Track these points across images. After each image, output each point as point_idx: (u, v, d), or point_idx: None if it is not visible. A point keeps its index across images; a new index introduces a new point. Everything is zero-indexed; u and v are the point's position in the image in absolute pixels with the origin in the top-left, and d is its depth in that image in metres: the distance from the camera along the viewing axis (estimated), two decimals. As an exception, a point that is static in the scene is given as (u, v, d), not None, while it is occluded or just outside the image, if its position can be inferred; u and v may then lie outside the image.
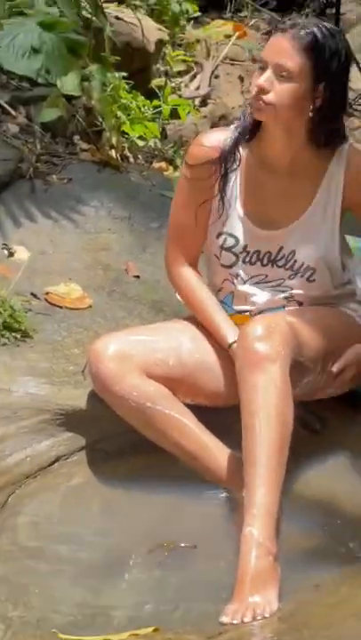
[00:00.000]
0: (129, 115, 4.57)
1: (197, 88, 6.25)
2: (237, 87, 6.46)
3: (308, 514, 2.81)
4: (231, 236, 2.91)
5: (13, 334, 3.13)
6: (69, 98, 4.40)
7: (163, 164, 4.89)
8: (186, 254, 2.97)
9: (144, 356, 2.81)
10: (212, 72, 6.46)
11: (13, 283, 3.30)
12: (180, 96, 5.86)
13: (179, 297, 3.10)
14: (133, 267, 3.64)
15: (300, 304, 2.95)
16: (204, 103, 6.16)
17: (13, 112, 4.37)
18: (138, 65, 5.26)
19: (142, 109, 4.68)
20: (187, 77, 6.36)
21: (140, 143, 4.70)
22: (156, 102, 5.09)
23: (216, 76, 6.50)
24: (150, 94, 5.24)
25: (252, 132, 2.88)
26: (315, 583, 2.49)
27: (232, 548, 2.54)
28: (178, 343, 2.91)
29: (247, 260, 2.92)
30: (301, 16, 2.83)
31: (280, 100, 2.73)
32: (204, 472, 2.83)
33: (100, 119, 4.49)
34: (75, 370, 3.01)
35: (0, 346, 3.08)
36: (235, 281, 2.95)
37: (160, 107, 5.13)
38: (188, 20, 6.87)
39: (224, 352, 2.89)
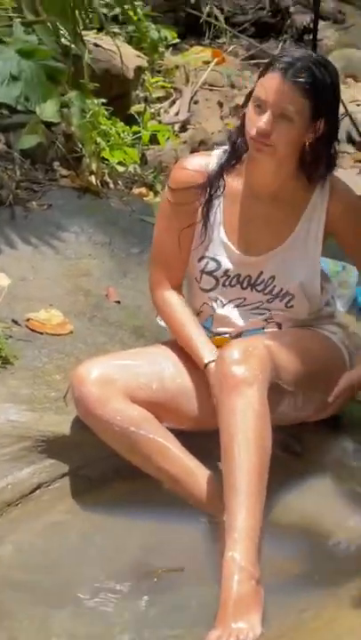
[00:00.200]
0: (108, 141, 4.59)
1: (177, 114, 6.28)
2: (217, 112, 6.49)
3: (290, 537, 2.80)
4: (213, 260, 2.92)
5: (-6, 361, 3.12)
6: (49, 124, 4.41)
7: (143, 190, 4.90)
8: (169, 278, 2.98)
9: (127, 380, 2.81)
10: (192, 98, 6.50)
11: (-6, 309, 3.29)
12: (159, 122, 5.89)
13: (160, 321, 3.11)
14: (114, 292, 3.64)
15: (280, 325, 2.96)
16: (183, 128, 6.19)
17: (-7, 139, 4.37)
18: (117, 91, 5.29)
19: (122, 135, 4.70)
20: (166, 103, 6.40)
21: (120, 169, 4.72)
22: (135, 128, 5.12)
23: (195, 102, 6.54)
24: (130, 120, 5.26)
25: (238, 158, 2.88)
26: (298, 608, 2.48)
27: (219, 572, 2.52)
28: (160, 368, 2.91)
29: (227, 283, 2.93)
30: (289, 45, 2.84)
31: (281, 141, 2.74)
32: (188, 497, 2.83)
33: (80, 145, 4.50)
34: (56, 396, 3.00)
35: (-19, 373, 3.07)
36: (214, 305, 2.96)
37: (139, 132, 5.16)
38: (167, 46, 6.92)
39: (196, 377, 2.90)
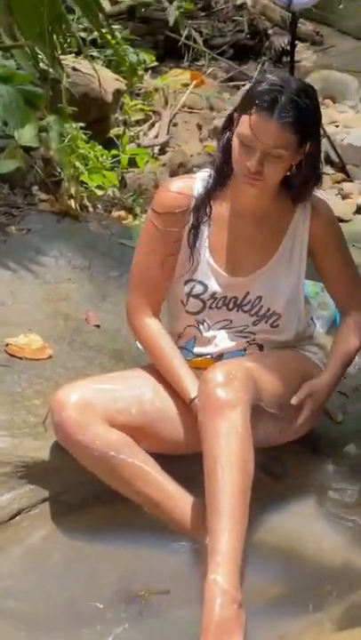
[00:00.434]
0: (87, 164, 4.60)
1: (156, 136, 6.30)
2: (196, 135, 6.51)
3: (272, 561, 2.80)
4: (200, 283, 2.92)
5: (-27, 387, 3.11)
6: (27, 149, 4.41)
7: (122, 213, 4.91)
8: (149, 303, 2.96)
9: (106, 404, 2.81)
10: (171, 120, 6.52)
11: (-27, 335, 3.28)
12: (138, 145, 5.90)
13: (139, 345, 3.10)
14: (94, 316, 3.63)
15: (261, 347, 2.96)
16: (162, 151, 6.20)
17: (-29, 164, 4.37)
18: (96, 115, 5.30)
19: (100, 159, 4.71)
20: (145, 126, 6.41)
21: (99, 192, 4.72)
22: (114, 152, 5.13)
23: (174, 125, 6.56)
24: (109, 143, 5.27)
25: (223, 183, 2.88)
26: (279, 632, 2.49)
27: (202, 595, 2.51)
28: (139, 392, 2.90)
29: (214, 305, 2.93)
30: (268, 68, 2.83)
31: (271, 175, 2.75)
32: (169, 521, 2.82)
33: (59, 169, 4.51)
34: (35, 421, 2.99)
35: None
36: (200, 327, 2.96)
37: (118, 156, 5.17)
38: (146, 69, 6.95)
39: (178, 398, 2.89)
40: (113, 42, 5.90)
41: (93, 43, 6.54)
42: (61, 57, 4.83)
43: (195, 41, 8.11)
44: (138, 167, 5.47)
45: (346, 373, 3.43)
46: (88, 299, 3.77)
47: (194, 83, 7.13)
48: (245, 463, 2.61)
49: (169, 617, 2.61)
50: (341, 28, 9.81)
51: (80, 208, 4.49)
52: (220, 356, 2.94)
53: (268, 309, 2.92)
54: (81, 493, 2.92)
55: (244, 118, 2.71)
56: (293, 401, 2.86)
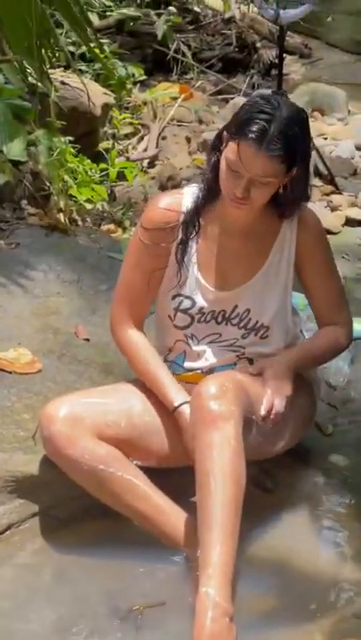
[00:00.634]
0: (76, 178, 4.60)
1: (145, 150, 6.31)
2: (185, 148, 6.52)
3: (262, 574, 2.79)
4: (188, 298, 2.92)
5: None
6: (16, 163, 4.41)
7: (111, 226, 4.91)
8: (133, 315, 2.97)
9: (95, 418, 2.80)
10: (160, 134, 6.53)
11: None
12: (127, 158, 5.91)
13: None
14: (83, 330, 3.63)
15: (251, 361, 2.96)
16: (151, 164, 6.21)
17: None
18: (84, 129, 5.31)
19: (89, 173, 4.71)
20: (134, 139, 6.43)
21: (88, 206, 4.72)
22: (103, 165, 5.13)
23: (163, 138, 6.57)
24: (98, 157, 5.29)
25: (213, 199, 2.87)
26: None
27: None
28: (129, 405, 2.90)
29: (202, 319, 2.93)
30: (255, 90, 2.80)
31: (258, 199, 2.74)
32: (159, 534, 2.82)
33: (48, 183, 4.51)
34: (25, 435, 2.98)
35: None
36: (189, 341, 2.96)
37: (107, 169, 5.17)
38: (135, 83, 6.97)
39: (169, 412, 2.88)
40: (101, 56, 5.90)
41: (82, 57, 6.57)
42: (50, 71, 4.83)
43: (183, 54, 8.14)
44: (127, 180, 5.48)
45: (335, 385, 3.46)
46: (77, 312, 3.76)
47: (182, 96, 7.14)
48: (238, 476, 2.61)
49: (167, 629, 2.60)
50: (330, 41, 9.85)
51: (69, 222, 4.49)
52: (210, 371, 2.94)
53: (257, 322, 2.93)
54: (71, 508, 2.92)
55: (233, 145, 2.69)
56: (252, 370, 2.85)
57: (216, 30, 8.79)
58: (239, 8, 9.02)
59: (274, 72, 7.84)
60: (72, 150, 4.62)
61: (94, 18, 7.39)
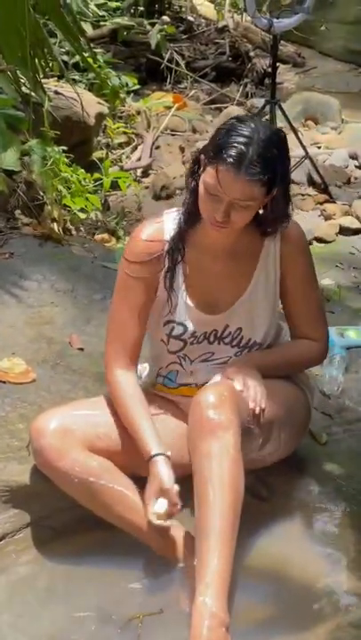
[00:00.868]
0: (70, 188, 4.61)
1: (139, 159, 6.32)
2: (178, 157, 6.54)
3: (258, 583, 2.79)
4: (180, 324, 2.90)
5: None
6: (10, 173, 4.42)
7: (105, 236, 4.92)
8: (125, 353, 2.89)
9: (86, 430, 2.79)
10: (153, 143, 6.54)
11: None
12: (121, 168, 5.92)
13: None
14: (77, 339, 3.63)
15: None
16: (145, 174, 6.23)
17: None
18: (78, 138, 5.32)
19: (83, 182, 4.72)
20: (128, 149, 6.44)
21: (82, 215, 4.73)
22: (97, 175, 5.14)
23: (157, 147, 6.58)
24: (91, 166, 5.29)
25: (194, 224, 2.85)
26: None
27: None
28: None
29: (195, 342, 2.92)
30: (238, 119, 2.72)
31: (238, 222, 2.71)
32: (151, 544, 2.80)
33: (41, 193, 4.52)
34: (19, 445, 2.98)
35: None
36: (182, 362, 2.95)
37: (101, 179, 5.18)
38: (128, 92, 6.98)
39: (165, 424, 2.89)
40: (95, 65, 5.93)
41: (75, 66, 6.59)
42: (43, 80, 4.86)
43: (177, 64, 8.17)
44: (120, 190, 5.49)
45: (330, 394, 3.46)
46: (71, 322, 3.76)
47: (176, 105, 7.17)
48: (237, 485, 2.60)
49: (168, 637, 2.60)
50: (323, 50, 9.89)
51: (63, 231, 4.50)
52: (204, 384, 2.93)
53: (250, 340, 2.93)
54: (65, 518, 2.91)
55: (211, 170, 2.66)
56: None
57: (210, 39, 8.82)
58: (232, 17, 9.05)
59: (267, 81, 7.85)
60: (66, 160, 4.63)
61: (88, 27, 7.42)
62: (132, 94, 7.06)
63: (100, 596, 2.73)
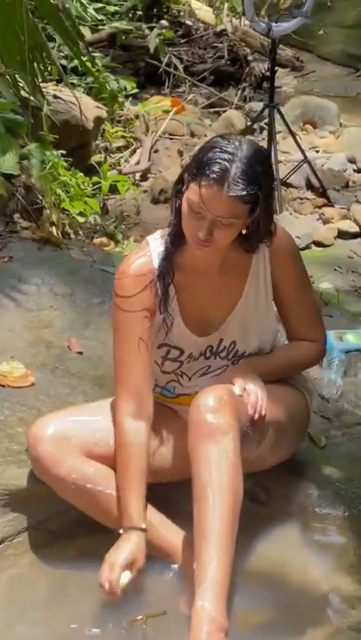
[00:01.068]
0: (68, 192, 4.61)
1: (137, 163, 6.32)
2: (177, 161, 6.53)
3: (257, 587, 2.79)
4: (175, 348, 2.90)
5: None
6: (8, 177, 4.42)
7: (104, 240, 4.92)
8: (136, 395, 2.79)
9: (83, 436, 2.79)
10: (152, 147, 6.54)
11: None
12: (120, 171, 5.92)
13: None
14: (76, 343, 3.63)
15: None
16: (144, 177, 6.23)
17: None
18: (77, 142, 5.32)
19: (82, 186, 4.71)
20: (126, 153, 6.44)
21: (81, 219, 4.72)
22: (95, 178, 5.14)
23: (155, 151, 6.58)
24: (90, 170, 5.29)
25: (180, 246, 2.82)
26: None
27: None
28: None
29: (191, 360, 2.92)
30: (222, 138, 2.69)
31: (221, 241, 2.69)
32: (150, 548, 2.80)
33: (40, 197, 4.52)
34: (18, 449, 2.98)
35: None
36: (180, 379, 2.95)
37: (100, 183, 5.18)
38: (127, 96, 6.98)
39: (163, 429, 2.90)
40: (94, 69, 5.93)
41: (74, 70, 6.59)
42: (42, 85, 4.85)
43: (175, 68, 8.16)
44: (119, 194, 5.49)
45: (328, 398, 3.46)
46: (70, 326, 3.76)
47: (174, 109, 7.16)
48: (236, 489, 2.60)
49: (171, 638, 2.61)
50: (321, 54, 9.88)
51: (62, 235, 4.50)
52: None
53: (244, 352, 2.93)
54: (64, 521, 2.92)
55: (194, 187, 2.63)
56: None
57: (208, 43, 8.81)
58: (231, 21, 9.04)
59: (266, 85, 7.84)
60: (64, 164, 4.63)
61: (86, 31, 7.42)
62: (130, 98, 7.05)
63: (100, 599, 2.71)
